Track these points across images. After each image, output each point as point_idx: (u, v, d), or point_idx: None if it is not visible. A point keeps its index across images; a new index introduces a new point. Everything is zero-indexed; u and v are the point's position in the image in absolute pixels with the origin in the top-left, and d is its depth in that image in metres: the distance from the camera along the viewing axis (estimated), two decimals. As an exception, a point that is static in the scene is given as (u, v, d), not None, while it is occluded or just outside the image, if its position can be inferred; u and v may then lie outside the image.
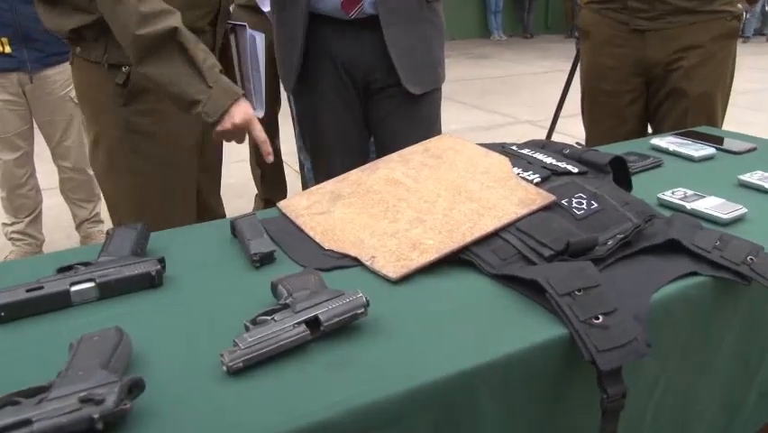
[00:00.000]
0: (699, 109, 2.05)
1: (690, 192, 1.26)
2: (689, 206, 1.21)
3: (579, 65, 2.39)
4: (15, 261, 1.18)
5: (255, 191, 3.54)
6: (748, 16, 11.39)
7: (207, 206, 1.78)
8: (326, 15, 1.74)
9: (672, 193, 1.26)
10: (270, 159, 1.45)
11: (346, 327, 0.82)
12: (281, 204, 1.23)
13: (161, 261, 0.97)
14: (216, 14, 1.61)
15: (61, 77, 2.87)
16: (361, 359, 0.78)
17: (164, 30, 1.34)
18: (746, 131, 1.93)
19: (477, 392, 0.78)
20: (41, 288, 0.91)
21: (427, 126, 1.87)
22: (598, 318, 0.82)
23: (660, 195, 1.26)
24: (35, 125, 2.99)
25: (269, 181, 3.42)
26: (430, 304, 0.90)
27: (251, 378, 0.74)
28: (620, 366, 0.80)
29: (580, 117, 2.37)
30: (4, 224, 3.09)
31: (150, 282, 0.95)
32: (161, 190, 1.60)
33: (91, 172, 3.08)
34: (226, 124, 1.39)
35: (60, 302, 0.91)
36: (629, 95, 2.17)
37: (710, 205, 1.21)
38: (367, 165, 1.30)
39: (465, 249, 1.01)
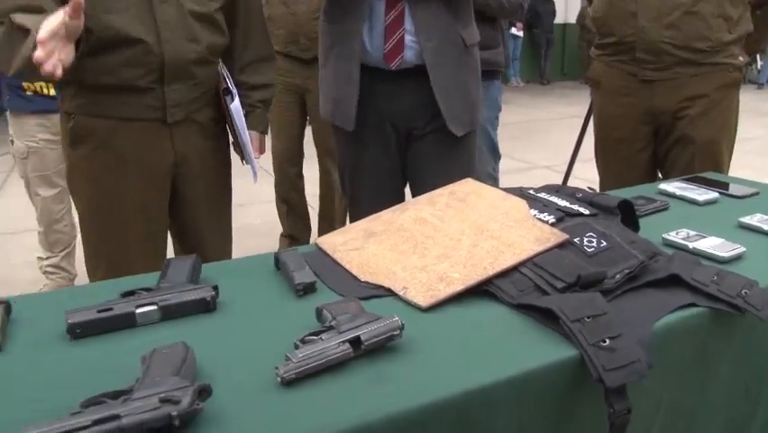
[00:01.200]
0: (705, 155, 2.17)
1: (692, 233, 1.37)
2: (691, 245, 1.32)
3: (592, 114, 2.53)
4: (83, 286, 1.30)
5: (279, 232, 3.68)
6: (761, 65, 11.52)
7: (191, 249, 1.80)
8: (370, 66, 1.87)
9: (676, 234, 1.37)
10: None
11: (383, 347, 0.93)
12: (319, 240, 1.36)
13: (215, 288, 1.10)
14: (160, 74, 1.67)
15: None
16: (396, 374, 0.89)
17: (7, 24, 1.45)
18: (758, 175, 2.04)
19: (494, 406, 0.89)
20: (111, 309, 1.03)
21: (466, 167, 1.98)
22: (605, 342, 0.93)
23: (664, 235, 1.37)
24: None
25: (294, 218, 3.56)
26: (456, 329, 1.02)
27: (300, 389, 0.86)
28: (625, 384, 0.91)
29: (594, 162, 2.49)
30: (40, 258, 3.22)
31: (206, 307, 1.07)
32: (108, 234, 1.73)
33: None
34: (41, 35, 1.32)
35: (127, 322, 1.03)
36: (639, 142, 2.29)
37: (711, 244, 1.31)
38: (397, 206, 1.42)
39: (487, 281, 1.12)
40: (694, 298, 1.08)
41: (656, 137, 2.30)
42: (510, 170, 5.81)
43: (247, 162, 1.91)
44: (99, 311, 1.02)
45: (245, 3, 1.86)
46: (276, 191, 3.54)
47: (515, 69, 12.36)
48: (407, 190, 2.08)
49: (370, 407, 0.82)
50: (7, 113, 3.03)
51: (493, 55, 2.90)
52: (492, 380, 0.88)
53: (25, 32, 1.42)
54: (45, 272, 3.20)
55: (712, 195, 1.68)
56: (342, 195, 2.55)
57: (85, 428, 0.73)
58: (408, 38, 1.84)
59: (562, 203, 1.37)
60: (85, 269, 1.83)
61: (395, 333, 0.93)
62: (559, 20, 12.55)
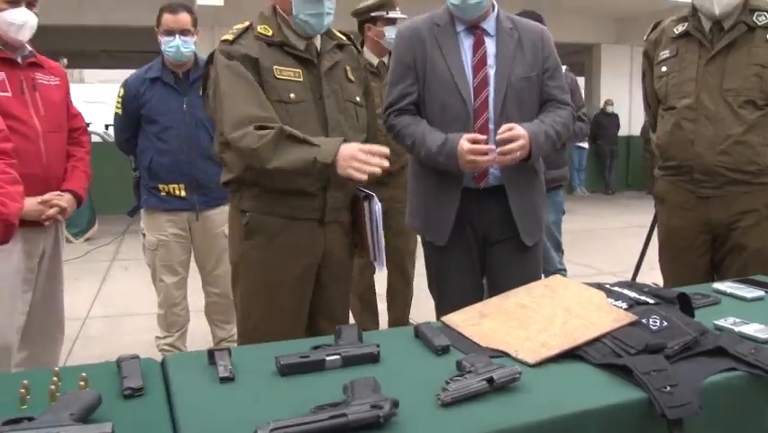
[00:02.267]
0: (756, 261, 2.52)
1: (738, 320, 1.73)
2: (736, 328, 1.68)
3: (656, 225, 2.92)
4: (277, 343, 1.72)
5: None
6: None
7: (318, 327, 2.28)
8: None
9: (725, 320, 1.74)
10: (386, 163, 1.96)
11: (508, 386, 1.33)
12: (444, 318, 1.78)
13: (378, 346, 1.52)
14: (327, 182, 2.16)
15: (219, 217, 3.41)
16: (517, 402, 1.29)
17: (276, 132, 1.98)
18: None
19: (585, 428, 1.27)
20: (308, 356, 1.46)
21: (535, 269, 2.40)
22: (666, 388, 1.31)
23: (715, 321, 1.73)
24: (192, 256, 3.56)
25: (368, 314, 3.95)
26: (555, 378, 1.42)
27: (455, 409, 1.26)
28: (682, 418, 1.28)
29: (657, 270, 2.86)
30: (158, 337, 3.59)
31: (373, 359, 1.50)
32: (268, 308, 2.18)
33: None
34: (341, 158, 1.94)
35: (318, 367, 1.46)
36: (699, 249, 2.67)
37: (754, 329, 1.67)
38: (503, 294, 1.84)
39: (577, 348, 1.52)
40: (736, 364, 1.45)
41: (713, 245, 2.66)
42: (577, 276, 6.13)
43: (376, 258, 2.34)
44: (300, 357, 1.46)
45: (370, 141, 2.35)
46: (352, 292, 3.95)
47: (580, 179, 12.78)
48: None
49: (500, 421, 1.22)
50: (142, 210, 3.52)
51: (558, 173, 3.64)
52: (583, 409, 1.28)
53: (297, 140, 1.99)
54: (161, 350, 3.53)
55: (759, 293, 2.03)
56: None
57: (323, 420, 1.15)
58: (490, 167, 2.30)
59: (633, 294, 1.76)
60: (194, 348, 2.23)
61: (516, 376, 1.33)
62: (623, 132, 13.02)
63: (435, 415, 1.24)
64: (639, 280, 3.92)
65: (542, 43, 2.39)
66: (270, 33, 2.17)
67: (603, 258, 6.91)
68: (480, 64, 2.31)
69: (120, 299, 5.46)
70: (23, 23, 2.49)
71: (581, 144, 12.39)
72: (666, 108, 2.68)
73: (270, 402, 1.31)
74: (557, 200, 3.66)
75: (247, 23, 2.22)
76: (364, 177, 1.94)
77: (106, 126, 11.75)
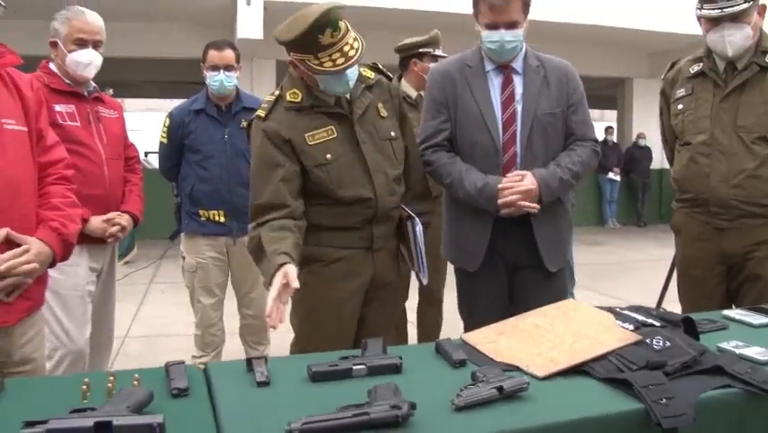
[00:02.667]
0: (771, 290, 2.62)
1: (741, 343, 1.84)
2: (738, 351, 1.78)
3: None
4: (312, 354, 1.86)
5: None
6: None
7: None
8: None
9: (728, 343, 1.84)
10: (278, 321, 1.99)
11: (516, 394, 1.47)
12: (464, 336, 1.92)
13: (400, 357, 1.66)
14: (372, 218, 2.33)
15: None
16: (524, 410, 1.43)
17: (256, 240, 2.21)
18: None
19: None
20: (337, 366, 1.61)
21: (559, 295, 2.51)
22: (662, 400, 1.43)
23: (718, 344, 1.84)
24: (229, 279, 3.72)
25: (399, 339, 4.08)
26: (562, 389, 1.55)
27: (468, 413, 1.40)
28: (677, 427, 1.40)
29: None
30: (194, 356, 3.71)
31: (396, 369, 1.64)
32: (321, 329, 2.34)
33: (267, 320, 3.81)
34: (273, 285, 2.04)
35: (346, 375, 1.61)
36: (715, 279, 2.77)
37: (755, 351, 1.77)
38: (520, 315, 1.98)
39: (584, 364, 1.65)
40: (732, 381, 1.56)
41: (729, 275, 2.76)
42: (604, 306, 6.21)
43: (421, 272, 2.47)
44: (330, 366, 1.61)
45: (414, 164, 2.54)
46: None
47: (611, 211, 12.80)
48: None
49: (509, 425, 1.36)
50: (182, 234, 3.70)
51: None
52: (584, 416, 1.41)
53: (262, 253, 2.19)
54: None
55: (766, 320, 2.13)
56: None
57: (347, 418, 1.30)
58: None
59: (640, 317, 1.88)
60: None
61: (524, 386, 1.47)
62: (655, 165, 13.02)
63: (449, 418, 1.38)
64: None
65: (566, 78, 2.54)
66: (299, 99, 2.30)
67: (632, 290, 6.95)
68: (508, 101, 2.48)
69: (157, 320, 5.67)
70: (90, 62, 2.79)
71: (613, 177, 12.45)
72: (683, 144, 2.81)
73: (302, 404, 1.46)
74: None
75: (277, 94, 2.35)
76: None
77: (146, 154, 12.11)
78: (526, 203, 2.39)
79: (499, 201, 2.39)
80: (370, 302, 2.43)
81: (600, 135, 12.52)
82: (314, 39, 2.14)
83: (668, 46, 11.46)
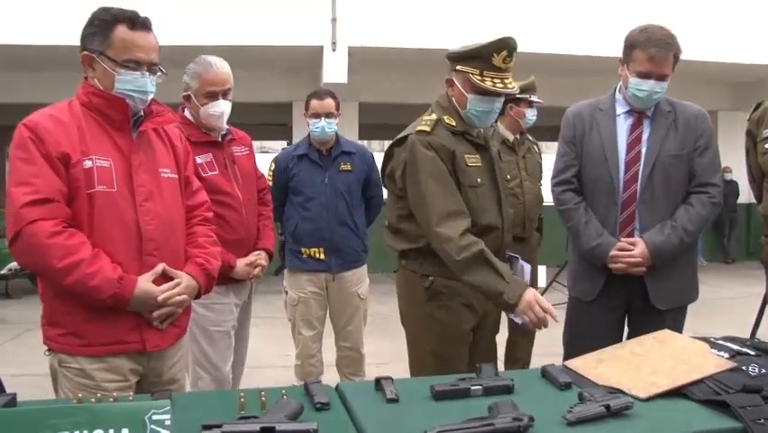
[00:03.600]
0: None
1: (835, 372, 1.95)
2: (831, 379, 1.89)
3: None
4: (431, 377, 2.05)
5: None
6: None
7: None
8: None
9: (823, 371, 1.95)
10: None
11: (622, 412, 1.63)
12: (568, 363, 2.09)
13: (512, 380, 1.85)
14: (498, 250, 2.51)
15: (354, 277, 3.83)
16: (630, 425, 1.59)
17: (476, 252, 2.31)
18: None
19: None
20: (457, 385, 1.82)
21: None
22: (761, 420, 1.57)
23: (814, 372, 1.95)
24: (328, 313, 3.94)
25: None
26: (662, 409, 1.70)
27: (577, 427, 1.58)
28: (775, 446, 1.53)
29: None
30: (294, 385, 4.03)
31: (508, 390, 1.83)
32: (441, 357, 2.52)
33: (364, 352, 3.94)
34: (522, 303, 2.27)
35: (465, 394, 1.81)
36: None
37: None
38: (618, 344, 2.14)
39: (683, 387, 1.79)
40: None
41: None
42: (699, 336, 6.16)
43: None
44: (451, 385, 1.81)
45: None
46: None
47: (698, 248, 12.50)
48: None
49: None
50: (285, 270, 3.98)
51: None
52: (688, 431, 1.56)
53: (491, 266, 2.35)
54: None
55: None
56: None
57: (477, 427, 1.50)
58: (636, 233, 2.61)
59: (735, 347, 2.02)
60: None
61: (629, 405, 1.64)
62: (743, 200, 12.71)
63: (563, 430, 1.56)
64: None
65: (696, 121, 2.68)
66: (454, 123, 2.51)
67: (722, 328, 6.83)
68: (634, 142, 2.65)
69: (251, 351, 5.95)
70: (222, 113, 2.96)
71: (698, 213, 12.19)
72: (771, 181, 2.91)
73: (429, 417, 1.65)
74: None
75: (435, 116, 2.51)
76: (532, 327, 2.34)
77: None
78: (635, 269, 2.55)
79: (609, 265, 2.57)
80: (477, 336, 2.62)
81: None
82: (488, 56, 2.38)
83: (751, 78, 11.29)
